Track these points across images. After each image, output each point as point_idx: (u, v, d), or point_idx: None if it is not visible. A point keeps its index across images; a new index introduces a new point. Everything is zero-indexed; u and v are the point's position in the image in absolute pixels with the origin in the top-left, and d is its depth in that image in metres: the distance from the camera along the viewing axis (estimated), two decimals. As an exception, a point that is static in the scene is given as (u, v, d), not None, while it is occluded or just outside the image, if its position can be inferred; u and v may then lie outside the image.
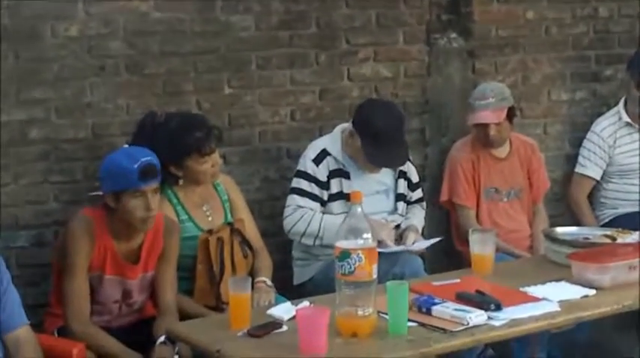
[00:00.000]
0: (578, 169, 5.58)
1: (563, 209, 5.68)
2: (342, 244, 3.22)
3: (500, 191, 5.15)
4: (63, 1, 4.31)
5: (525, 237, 5.18)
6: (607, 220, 5.52)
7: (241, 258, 4.27)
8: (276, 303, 3.71)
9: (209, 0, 4.64)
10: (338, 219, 4.38)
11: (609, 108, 5.66)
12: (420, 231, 4.79)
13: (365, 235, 3.22)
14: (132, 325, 4.03)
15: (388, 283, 3.28)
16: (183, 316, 3.94)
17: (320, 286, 4.46)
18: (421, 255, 4.64)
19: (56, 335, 3.89)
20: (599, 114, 5.65)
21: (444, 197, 5.15)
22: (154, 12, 4.52)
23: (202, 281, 4.18)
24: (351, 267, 3.19)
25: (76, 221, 3.84)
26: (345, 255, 3.20)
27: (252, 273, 4.28)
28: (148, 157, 3.76)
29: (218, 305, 4.15)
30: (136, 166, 3.71)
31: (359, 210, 3.26)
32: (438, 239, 4.71)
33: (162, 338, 3.75)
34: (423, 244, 4.64)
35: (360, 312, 3.21)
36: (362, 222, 3.25)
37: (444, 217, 5.25)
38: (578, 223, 5.25)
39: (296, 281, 4.69)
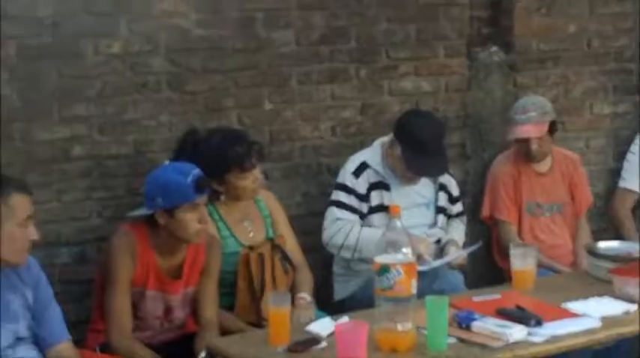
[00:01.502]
0: (621, 183, 5.54)
1: (607, 224, 5.63)
2: (381, 259, 3.22)
3: (542, 206, 5.12)
4: (105, 18, 4.35)
5: (568, 253, 5.14)
6: (650, 235, 5.48)
7: (282, 273, 4.27)
8: (317, 320, 3.71)
9: (250, 16, 4.67)
10: (376, 231, 4.38)
11: (652, 122, 5.63)
12: (461, 245, 4.77)
13: (404, 249, 3.23)
14: (173, 341, 4.03)
15: (427, 298, 3.28)
16: (225, 332, 3.94)
17: (360, 302, 4.43)
18: (462, 270, 4.62)
19: (98, 351, 3.89)
20: (643, 129, 5.62)
21: (485, 212, 5.13)
22: (196, 29, 4.54)
23: (243, 297, 4.19)
24: (390, 282, 3.20)
25: (117, 236, 3.87)
26: (385, 269, 3.20)
27: (293, 289, 4.28)
28: (197, 170, 3.78)
29: (259, 322, 4.14)
30: (189, 180, 3.74)
31: (398, 223, 3.27)
32: (478, 245, 4.68)
33: (203, 354, 3.74)
34: (464, 252, 4.61)
35: (399, 327, 3.21)
36: (401, 236, 3.26)
37: (484, 232, 5.21)
38: (621, 238, 5.20)
39: (336, 297, 4.69)
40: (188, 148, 4.21)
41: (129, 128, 4.46)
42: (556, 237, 5.13)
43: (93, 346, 3.93)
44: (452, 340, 3.30)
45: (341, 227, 4.49)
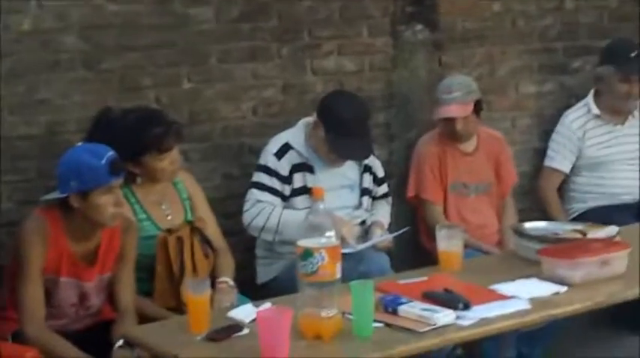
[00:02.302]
0: (547, 162, 5.51)
1: (531, 203, 5.61)
2: (304, 243, 3.10)
3: (468, 186, 5.05)
4: (15, -7, 4.17)
5: (494, 233, 5.09)
6: (576, 214, 5.46)
7: (202, 257, 4.13)
8: (239, 304, 3.60)
9: (167, -9, 4.52)
10: (298, 213, 4.32)
11: (577, 100, 5.59)
12: (386, 226, 4.68)
13: (328, 233, 3.11)
14: (89, 329, 3.88)
15: (352, 283, 3.16)
16: (143, 318, 3.81)
17: (284, 286, 4.33)
18: (388, 251, 4.53)
19: (11, 340, 3.72)
20: (567, 107, 5.58)
21: (410, 193, 5.05)
22: (110, 5, 4.38)
23: (162, 282, 4.04)
24: (313, 267, 3.08)
25: (29, 221, 3.70)
26: (308, 254, 3.08)
27: (214, 273, 4.15)
28: (111, 152, 3.63)
29: (179, 307, 3.99)
30: (103, 162, 3.58)
31: (321, 206, 3.15)
32: (404, 229, 4.60)
33: (120, 342, 3.59)
34: (390, 236, 4.51)
35: (323, 313, 3.10)
36: (325, 219, 3.14)
37: (410, 213, 5.14)
38: (547, 217, 5.16)
39: (259, 281, 4.58)
40: (102, 128, 4.04)
41: (41, 108, 4.28)
42: (482, 217, 5.07)
43: (4, 335, 3.76)
44: (378, 325, 3.19)
45: (262, 209, 4.37)
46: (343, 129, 4.34)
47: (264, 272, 4.56)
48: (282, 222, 4.33)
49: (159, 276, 4.04)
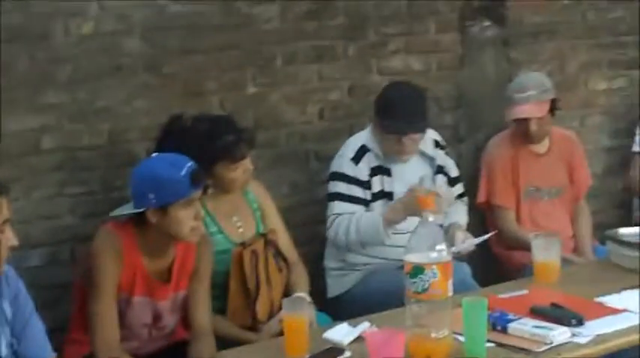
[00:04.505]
0: (635, 148, 5.26)
1: (603, 205, 5.39)
2: (414, 258, 2.90)
3: (541, 189, 4.81)
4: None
5: (568, 238, 4.82)
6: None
7: (276, 272, 3.91)
8: (319, 322, 3.43)
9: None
10: (373, 216, 4.10)
11: (647, 96, 5.39)
12: (465, 228, 4.43)
13: (439, 247, 2.89)
14: (162, 350, 3.67)
15: (465, 300, 2.94)
16: (218, 338, 3.60)
17: (357, 299, 4.17)
18: (468, 261, 4.29)
19: (82, 364, 3.52)
20: (638, 104, 5.36)
21: (481, 198, 4.81)
22: (172, 5, 4.15)
23: (236, 299, 3.82)
24: (425, 284, 2.88)
25: (101, 238, 3.47)
26: (418, 270, 2.88)
27: (288, 288, 3.93)
28: (191, 162, 3.41)
29: (254, 325, 3.80)
30: (183, 173, 3.36)
31: (430, 218, 2.94)
32: (491, 234, 4.35)
33: (201, 366, 3.40)
34: (475, 241, 4.23)
35: (434, 334, 2.88)
36: (435, 231, 2.93)
37: (478, 218, 4.88)
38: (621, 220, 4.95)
39: (330, 294, 4.34)
40: (173, 137, 3.82)
41: (102, 115, 4.05)
42: (556, 223, 4.81)
43: (73, 358, 3.54)
44: (489, 345, 2.98)
45: (339, 223, 4.14)
46: (393, 109, 4.17)
47: (336, 285, 4.33)
48: (363, 232, 4.09)
49: (233, 293, 3.82)
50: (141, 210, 3.40)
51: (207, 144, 3.77)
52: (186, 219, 3.41)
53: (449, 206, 4.18)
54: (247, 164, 3.88)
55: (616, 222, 4.88)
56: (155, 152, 3.76)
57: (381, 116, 4.22)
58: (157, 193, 3.37)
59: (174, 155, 3.49)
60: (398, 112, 4.16)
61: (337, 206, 4.16)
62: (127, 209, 3.47)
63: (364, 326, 3.14)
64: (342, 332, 3.13)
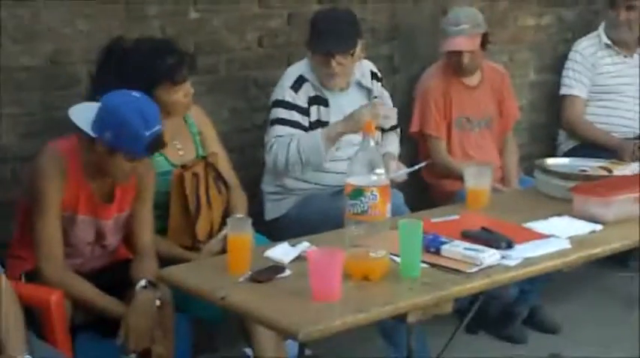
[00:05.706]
0: (565, 91, 5.45)
1: (528, 138, 5.53)
2: (355, 181, 2.99)
3: (472, 120, 4.96)
4: None
5: (496, 168, 4.97)
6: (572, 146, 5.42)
7: (216, 194, 3.99)
8: (257, 243, 3.48)
9: None
10: (313, 135, 4.19)
11: (574, 35, 5.51)
12: (397, 158, 4.56)
13: (378, 170, 3.00)
14: (105, 268, 3.74)
15: (401, 221, 3.06)
16: (159, 257, 3.68)
17: (294, 222, 4.27)
18: (400, 189, 4.41)
19: (24, 280, 3.57)
20: (565, 41, 5.49)
21: (414, 128, 4.94)
22: None
23: (177, 220, 3.89)
24: (364, 206, 2.98)
25: (45, 156, 3.49)
26: (358, 192, 2.98)
27: (227, 211, 4.01)
28: (159, 126, 3.43)
29: (194, 245, 3.88)
30: (147, 134, 3.38)
31: (372, 142, 3.03)
32: (423, 164, 4.49)
33: (143, 283, 3.48)
34: (407, 170, 4.39)
35: (372, 254, 3.00)
36: (375, 155, 3.03)
37: (411, 148, 5.02)
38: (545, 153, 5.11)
39: (267, 217, 4.44)
40: (114, 59, 3.83)
41: (43, 36, 4.04)
42: (485, 153, 4.98)
43: (15, 274, 3.57)
44: (423, 266, 3.09)
45: (280, 143, 4.21)
46: (319, 29, 4.25)
47: (273, 209, 4.42)
48: (302, 150, 4.17)
49: (174, 214, 3.89)
50: (93, 136, 3.44)
51: (148, 66, 3.78)
52: (126, 169, 3.48)
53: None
54: (188, 87, 3.90)
55: (540, 155, 5.01)
56: (96, 74, 3.80)
57: (311, 37, 4.29)
58: (114, 135, 3.39)
59: (151, 106, 3.48)
60: (324, 32, 4.23)
61: (278, 129, 4.23)
62: (84, 120, 3.44)
63: (304, 246, 3.23)
64: (282, 251, 3.21)
